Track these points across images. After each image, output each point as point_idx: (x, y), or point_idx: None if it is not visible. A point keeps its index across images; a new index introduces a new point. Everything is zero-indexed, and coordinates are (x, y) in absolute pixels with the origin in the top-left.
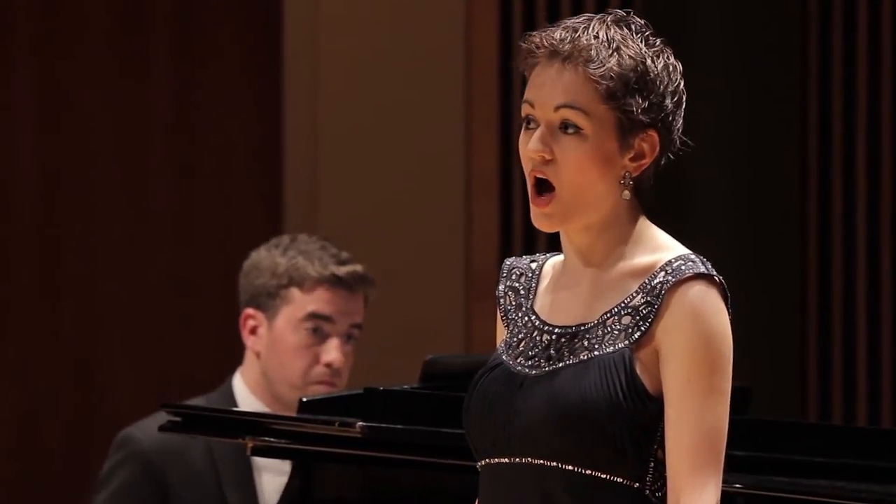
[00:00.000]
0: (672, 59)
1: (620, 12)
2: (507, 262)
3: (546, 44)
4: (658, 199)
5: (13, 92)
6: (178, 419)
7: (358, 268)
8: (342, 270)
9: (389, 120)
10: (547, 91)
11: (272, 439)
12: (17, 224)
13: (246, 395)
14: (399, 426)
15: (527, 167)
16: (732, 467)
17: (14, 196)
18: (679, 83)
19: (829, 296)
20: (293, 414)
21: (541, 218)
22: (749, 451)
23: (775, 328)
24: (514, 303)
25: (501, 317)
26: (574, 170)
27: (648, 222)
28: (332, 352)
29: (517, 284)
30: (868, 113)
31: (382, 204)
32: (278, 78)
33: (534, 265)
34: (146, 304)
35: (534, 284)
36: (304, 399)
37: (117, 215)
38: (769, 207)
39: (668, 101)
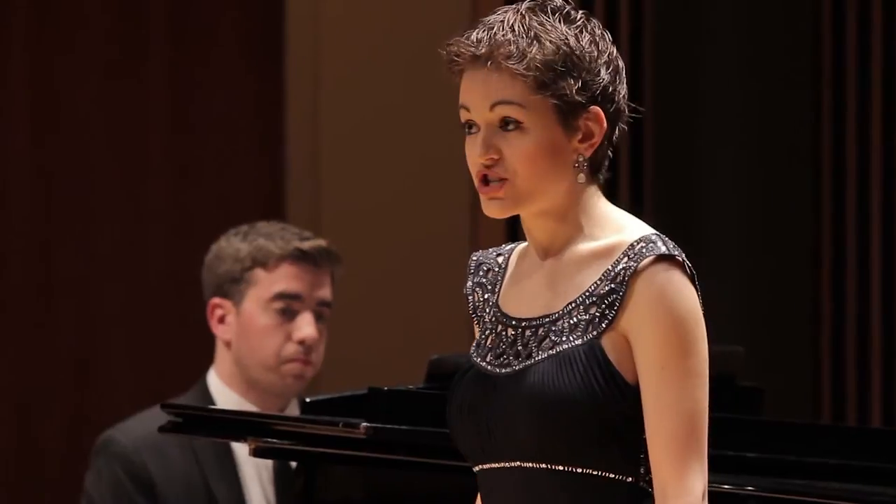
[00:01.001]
0: (598, 30)
1: None
2: (474, 258)
3: (464, 50)
4: (670, 196)
5: (8, 90)
6: (179, 420)
7: (322, 242)
8: (306, 245)
9: (392, 117)
10: (478, 94)
11: (275, 440)
12: (14, 224)
13: (221, 389)
14: (404, 427)
15: (474, 170)
16: (745, 469)
17: (11, 195)
18: (610, 51)
19: (843, 295)
20: (279, 407)
21: (491, 204)
22: (762, 453)
23: (788, 328)
24: (481, 299)
25: (472, 315)
26: (523, 163)
27: (605, 200)
28: (305, 328)
29: (484, 280)
30: (883, 113)
31: (385, 202)
32: (279, 75)
33: (500, 259)
34: (145, 304)
35: (500, 278)
36: (308, 399)
37: (115, 214)
38: (781, 205)
39: (602, 74)
